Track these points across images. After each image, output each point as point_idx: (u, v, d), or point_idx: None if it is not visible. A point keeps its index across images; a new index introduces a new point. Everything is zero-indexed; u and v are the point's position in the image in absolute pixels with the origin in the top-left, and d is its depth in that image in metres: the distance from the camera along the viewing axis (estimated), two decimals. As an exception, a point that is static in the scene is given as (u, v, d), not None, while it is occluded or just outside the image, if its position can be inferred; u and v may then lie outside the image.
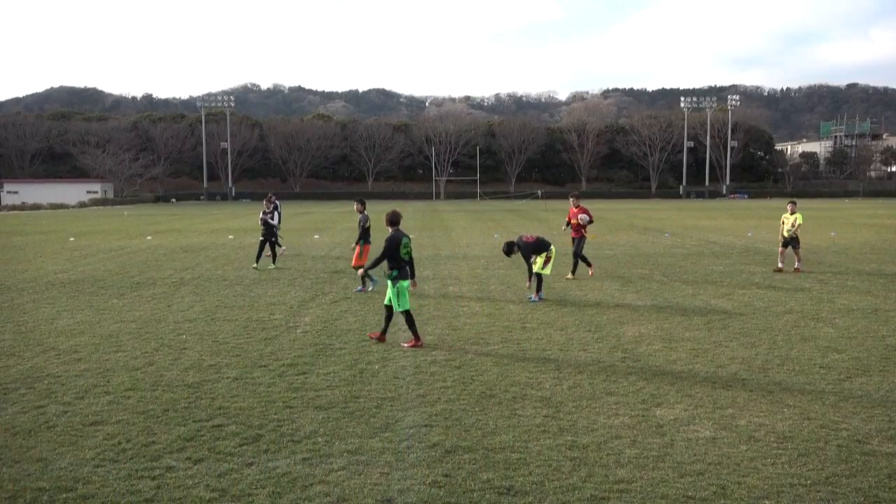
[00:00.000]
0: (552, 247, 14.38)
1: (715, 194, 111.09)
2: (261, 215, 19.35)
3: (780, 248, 18.48)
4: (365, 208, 15.79)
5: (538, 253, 14.16)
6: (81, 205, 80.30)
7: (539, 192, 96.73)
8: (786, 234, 18.20)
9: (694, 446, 6.33)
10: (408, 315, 10.21)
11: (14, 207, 73.30)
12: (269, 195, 20.53)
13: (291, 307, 13.36)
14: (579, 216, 17.29)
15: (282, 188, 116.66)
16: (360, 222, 15.51)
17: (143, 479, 5.70)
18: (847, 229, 33.72)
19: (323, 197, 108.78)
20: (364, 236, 15.37)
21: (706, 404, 7.49)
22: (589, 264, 17.58)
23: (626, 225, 38.17)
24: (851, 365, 9.02)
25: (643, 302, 13.72)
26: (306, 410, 7.35)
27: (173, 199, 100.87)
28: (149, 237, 30.70)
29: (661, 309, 12.97)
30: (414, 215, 49.62)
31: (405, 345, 10.12)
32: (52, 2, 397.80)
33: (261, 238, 19.32)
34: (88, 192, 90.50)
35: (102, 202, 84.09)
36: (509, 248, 14.45)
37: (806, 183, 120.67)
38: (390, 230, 10.45)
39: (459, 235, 31.10)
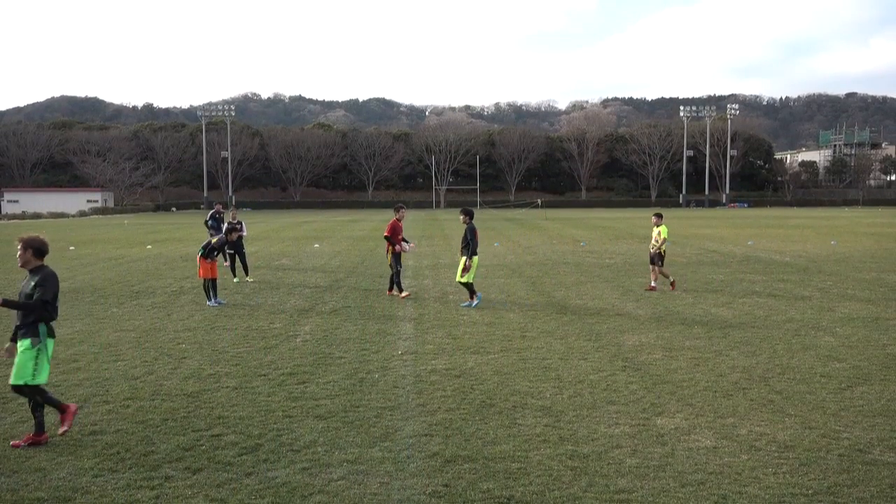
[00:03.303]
0: (476, 257, 14.23)
1: (714, 203, 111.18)
2: (219, 232, 18.44)
3: (650, 265, 16.86)
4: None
5: (469, 248, 14.00)
6: (82, 214, 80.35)
7: (539, 200, 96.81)
8: (651, 250, 16.67)
9: (695, 456, 6.30)
10: (39, 391, 6.75)
11: (14, 216, 73.39)
12: (218, 206, 21.43)
13: (291, 316, 13.34)
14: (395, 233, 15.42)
15: (282, 197, 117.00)
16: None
17: (141, 489, 5.68)
18: (847, 238, 33.73)
19: (323, 206, 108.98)
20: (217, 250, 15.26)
21: (707, 413, 7.46)
22: (401, 289, 15.49)
23: (625, 234, 38.18)
24: (852, 374, 9.00)
25: (643, 311, 13.70)
26: (306, 420, 7.33)
27: (174, 208, 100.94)
28: (149, 246, 30.70)
29: (661, 318, 12.95)
30: (414, 224, 49.60)
31: (19, 442, 6.60)
32: (53, 12, 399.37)
33: (231, 252, 18.54)
34: (89, 201, 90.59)
35: (103, 211, 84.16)
36: (469, 214, 14.42)
37: (805, 192, 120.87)
38: (41, 263, 6.87)
39: (459, 244, 31.07)
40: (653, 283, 16.53)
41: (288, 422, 7.26)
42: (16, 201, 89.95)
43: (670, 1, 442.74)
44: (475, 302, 14.19)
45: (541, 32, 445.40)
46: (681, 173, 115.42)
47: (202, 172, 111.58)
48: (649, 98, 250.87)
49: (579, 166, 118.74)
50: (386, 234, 15.61)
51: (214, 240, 15.22)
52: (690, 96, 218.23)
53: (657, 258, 16.45)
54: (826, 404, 7.76)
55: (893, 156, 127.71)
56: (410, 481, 5.80)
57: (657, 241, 16.45)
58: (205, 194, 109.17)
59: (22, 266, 6.83)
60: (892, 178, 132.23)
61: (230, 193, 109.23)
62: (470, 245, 14.15)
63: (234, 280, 18.26)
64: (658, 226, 16.51)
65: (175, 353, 10.32)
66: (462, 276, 14.13)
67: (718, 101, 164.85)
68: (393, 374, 9.13)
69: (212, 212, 21.76)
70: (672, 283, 16.43)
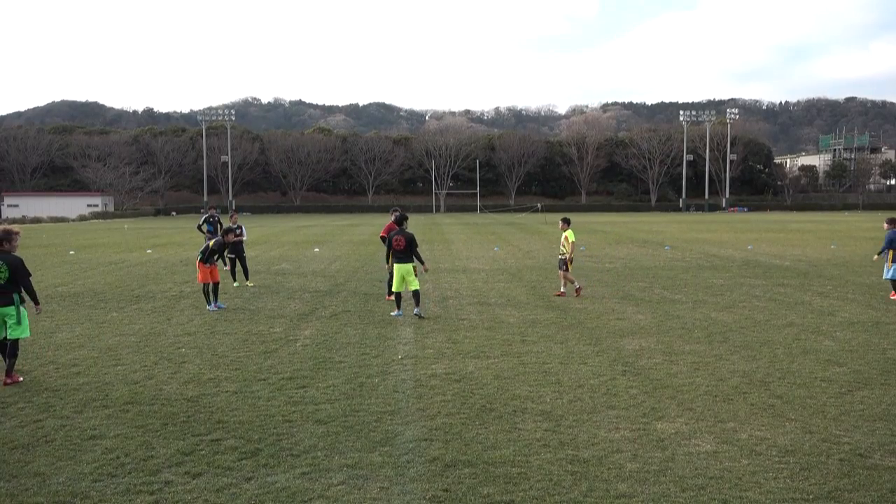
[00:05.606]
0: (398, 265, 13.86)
1: (714, 207, 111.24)
2: (215, 236, 18.20)
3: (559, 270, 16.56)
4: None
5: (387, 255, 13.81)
6: (82, 218, 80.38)
7: (539, 205, 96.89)
8: (559, 255, 16.39)
9: (695, 460, 6.30)
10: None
11: (15, 221, 73.27)
12: (212, 211, 21.54)
13: (291, 320, 13.34)
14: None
15: (282, 201, 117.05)
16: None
17: (141, 494, 5.67)
18: (847, 242, 33.73)
19: (323, 210, 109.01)
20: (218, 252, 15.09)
21: (707, 418, 7.46)
22: (390, 292, 14.91)
23: (625, 238, 38.19)
24: (853, 378, 8.99)
25: (643, 315, 13.69)
26: (305, 424, 7.32)
27: (174, 213, 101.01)
28: (149, 250, 30.70)
29: (661, 322, 12.94)
30: (414, 228, 49.69)
31: (7, 381, 8.86)
32: (53, 16, 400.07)
33: (231, 256, 18.46)
34: (89, 205, 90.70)
35: (103, 215, 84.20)
36: (402, 219, 14.03)
37: (805, 196, 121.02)
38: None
39: (459, 248, 31.11)
40: (562, 289, 16.35)
41: (288, 426, 7.25)
42: (16, 206, 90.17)
43: (670, 5, 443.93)
44: (394, 312, 13.80)
45: (541, 37, 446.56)
46: (680, 177, 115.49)
47: (202, 177, 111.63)
48: (649, 102, 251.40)
49: (579, 171, 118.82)
50: (382, 234, 15.50)
51: (211, 243, 15.13)
52: (690, 101, 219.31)
53: (562, 263, 16.22)
54: (826, 409, 7.75)
55: (893, 160, 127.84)
56: (410, 486, 5.79)
57: (564, 247, 16.11)
58: (205, 198, 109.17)
59: None
60: (892, 182, 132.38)
61: (230, 198, 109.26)
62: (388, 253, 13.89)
63: (234, 284, 18.25)
64: (564, 231, 16.21)
65: (175, 358, 10.32)
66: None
67: (718, 106, 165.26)
68: (393, 378, 9.12)
69: (206, 216, 21.71)
70: (577, 290, 16.11)
